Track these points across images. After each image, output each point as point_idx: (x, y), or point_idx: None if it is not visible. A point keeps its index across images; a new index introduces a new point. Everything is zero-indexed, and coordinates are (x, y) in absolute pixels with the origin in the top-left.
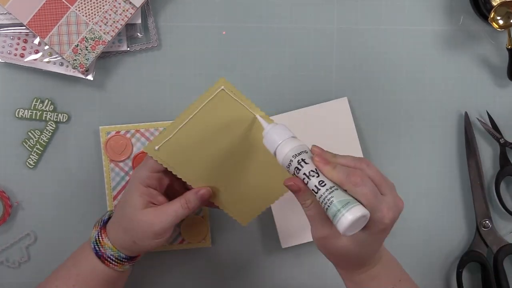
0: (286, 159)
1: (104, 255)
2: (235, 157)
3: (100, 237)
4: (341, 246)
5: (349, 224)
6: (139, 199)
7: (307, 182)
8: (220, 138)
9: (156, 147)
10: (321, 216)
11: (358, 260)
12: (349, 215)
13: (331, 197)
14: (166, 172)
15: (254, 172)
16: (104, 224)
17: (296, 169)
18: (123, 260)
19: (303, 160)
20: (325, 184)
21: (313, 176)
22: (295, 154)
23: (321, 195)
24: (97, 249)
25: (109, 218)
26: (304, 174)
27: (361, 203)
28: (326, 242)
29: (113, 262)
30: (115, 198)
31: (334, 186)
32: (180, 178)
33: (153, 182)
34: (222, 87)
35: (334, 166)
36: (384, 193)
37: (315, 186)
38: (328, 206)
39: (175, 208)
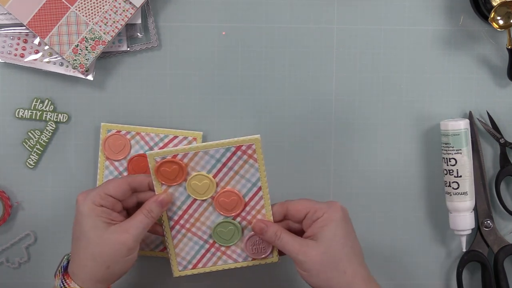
0: None
1: None
2: None
3: (65, 284)
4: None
5: None
6: (98, 219)
7: None
8: None
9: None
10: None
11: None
12: None
13: None
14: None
15: None
16: (65, 270)
17: None
18: None
19: None
20: None
21: None
22: None
23: None
24: None
25: (68, 261)
26: None
27: None
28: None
29: None
30: None
31: None
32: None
33: (108, 203)
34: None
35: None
36: None
37: None
38: None
39: (140, 219)
